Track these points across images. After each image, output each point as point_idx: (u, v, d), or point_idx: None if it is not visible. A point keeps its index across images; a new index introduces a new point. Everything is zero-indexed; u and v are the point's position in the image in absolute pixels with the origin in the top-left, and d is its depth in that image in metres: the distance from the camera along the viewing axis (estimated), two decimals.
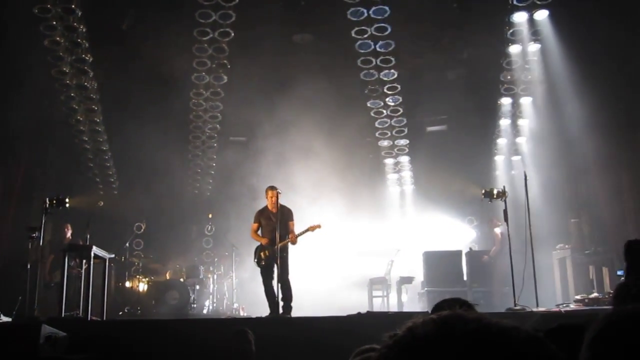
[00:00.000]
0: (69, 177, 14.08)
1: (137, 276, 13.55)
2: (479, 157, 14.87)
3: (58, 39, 11.74)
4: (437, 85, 14.42)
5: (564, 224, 13.54)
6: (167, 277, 13.29)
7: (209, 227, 15.50)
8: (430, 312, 2.76)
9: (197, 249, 14.82)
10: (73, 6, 11.36)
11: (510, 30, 12.39)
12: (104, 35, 12.76)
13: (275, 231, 10.02)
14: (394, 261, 14.13)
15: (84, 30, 11.92)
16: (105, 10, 12.44)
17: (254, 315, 10.79)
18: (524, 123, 14.03)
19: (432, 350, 0.95)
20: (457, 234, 15.21)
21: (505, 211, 9.70)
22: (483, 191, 10.17)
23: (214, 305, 12.89)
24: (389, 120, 14.84)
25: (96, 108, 13.75)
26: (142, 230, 15.66)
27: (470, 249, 14.20)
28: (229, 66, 13.28)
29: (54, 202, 9.43)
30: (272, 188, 10.33)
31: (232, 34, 12.44)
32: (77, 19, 11.64)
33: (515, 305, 9.35)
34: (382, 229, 15.22)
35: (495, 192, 10.03)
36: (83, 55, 12.33)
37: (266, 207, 10.38)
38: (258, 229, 10.40)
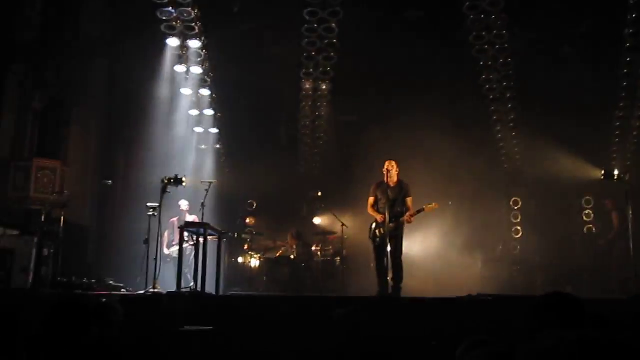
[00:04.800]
0: (185, 157, 14.58)
1: (249, 253, 13.91)
2: (597, 135, 14.14)
3: (174, 23, 12.22)
4: (552, 59, 13.83)
5: None
6: (278, 254, 13.57)
7: (319, 205, 15.65)
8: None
9: (307, 227, 15.02)
10: None
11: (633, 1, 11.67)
12: (216, 17, 13.09)
13: (392, 207, 9.78)
14: (506, 242, 13.80)
15: (198, 13, 12.30)
16: None
17: (362, 294, 10.82)
18: None
19: None
20: (573, 215, 14.63)
21: (627, 193, 9.20)
22: (603, 172, 9.69)
23: (323, 283, 13.04)
24: (502, 97, 14.35)
25: (210, 91, 14.17)
26: (253, 207, 16.08)
27: (590, 231, 13.64)
28: (338, 45, 13.24)
29: (172, 180, 9.85)
30: (390, 160, 10.02)
31: (342, 13, 12.40)
32: (192, 2, 12.02)
33: None
34: (495, 209, 14.84)
35: (616, 172, 9.53)
36: (198, 39, 12.73)
37: (383, 180, 10.01)
38: (375, 204, 10.12)
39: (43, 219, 10.94)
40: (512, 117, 14.68)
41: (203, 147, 15.20)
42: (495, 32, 12.73)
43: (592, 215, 14.72)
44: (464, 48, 13.26)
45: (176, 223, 11.93)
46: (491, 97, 14.29)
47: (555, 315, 3.42)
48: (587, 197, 14.82)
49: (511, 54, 13.31)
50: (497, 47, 13.09)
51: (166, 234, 12.09)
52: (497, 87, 14.05)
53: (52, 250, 10.89)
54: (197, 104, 14.39)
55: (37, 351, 3.23)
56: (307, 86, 14.41)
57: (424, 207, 9.83)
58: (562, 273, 12.59)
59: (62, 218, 10.83)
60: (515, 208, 15.33)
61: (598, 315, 3.54)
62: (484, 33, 12.76)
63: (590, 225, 14.49)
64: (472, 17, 12.37)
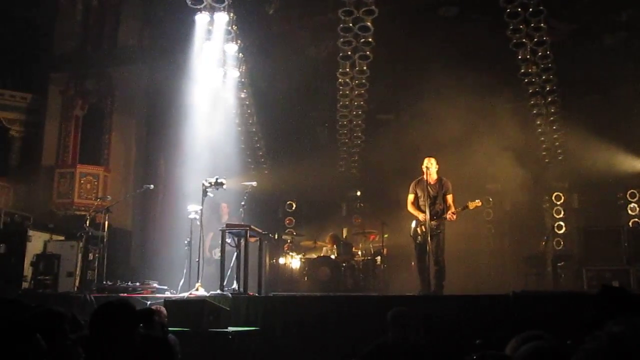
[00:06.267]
0: (224, 159, 14.69)
1: (290, 253, 13.96)
2: None
3: (210, 27, 12.36)
4: (593, 51, 13.59)
5: None
6: (319, 254, 13.57)
7: (358, 204, 15.66)
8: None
9: (347, 226, 15.03)
10: None
11: None
12: (251, 20, 13.18)
13: (432, 204, 9.65)
14: (549, 237, 13.61)
15: (233, 17, 12.41)
16: None
17: (404, 293, 10.76)
18: None
19: None
20: (617, 209, 14.36)
21: None
22: None
23: (365, 282, 13.00)
24: (541, 91, 14.11)
25: (246, 91, 14.27)
26: (293, 208, 16.16)
27: (637, 224, 13.37)
28: (374, 44, 13.19)
29: (212, 183, 9.95)
30: (429, 157, 9.83)
31: (377, 12, 12.35)
32: (228, 7, 12.13)
33: None
34: (537, 204, 14.67)
35: None
36: (234, 42, 12.83)
37: (422, 177, 9.77)
38: (415, 201, 9.88)
39: (87, 224, 11.14)
40: (552, 110, 14.44)
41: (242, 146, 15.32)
42: (532, 24, 12.52)
43: (638, 209, 14.41)
44: (501, 42, 13.10)
45: (217, 225, 12.02)
46: (530, 90, 14.08)
47: (612, 310, 3.35)
48: (632, 191, 14.51)
49: (550, 47, 13.08)
50: (535, 40, 12.88)
51: (209, 236, 12.20)
52: (536, 80, 13.83)
53: (97, 255, 11.09)
54: (236, 106, 14.48)
55: (86, 350, 3.31)
56: (344, 85, 14.37)
57: (468, 204, 9.69)
58: (608, 268, 12.34)
59: (106, 223, 11.01)
60: (558, 203, 15.09)
61: None
62: (521, 26, 12.57)
63: (636, 219, 14.18)
64: (508, 10, 12.21)
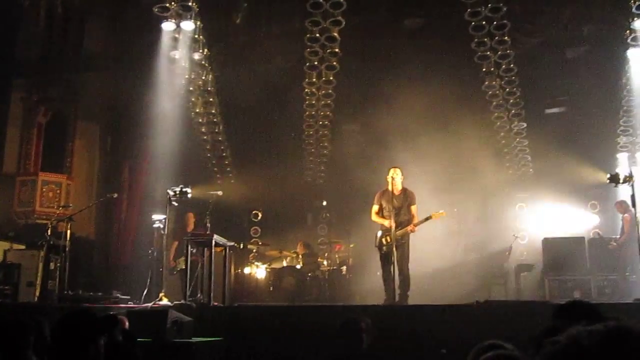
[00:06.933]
0: (190, 168, 14.60)
1: (255, 263, 13.90)
2: (601, 139, 14.13)
3: (177, 35, 12.28)
4: (555, 65, 13.85)
5: None
6: (284, 264, 13.54)
7: (324, 214, 15.66)
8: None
9: (312, 236, 15.00)
10: (190, 3, 11.81)
11: (638, 3, 11.67)
12: (218, 29, 13.15)
13: (397, 215, 9.69)
14: (512, 248, 13.76)
15: (200, 25, 12.36)
16: (218, 4, 12.85)
17: (369, 303, 10.78)
18: None
19: None
20: (578, 220, 14.58)
21: (633, 196, 9.17)
22: (608, 175, 9.64)
23: (330, 292, 12.99)
24: (505, 104, 14.31)
25: (212, 100, 14.21)
26: (258, 218, 16.10)
27: (598, 235, 13.62)
28: (341, 54, 13.25)
29: (177, 192, 9.87)
30: (395, 167, 9.91)
31: (344, 23, 12.42)
32: (195, 15, 12.08)
33: None
34: (500, 215, 14.83)
35: (621, 176, 9.45)
36: (200, 51, 12.78)
37: (387, 188, 9.84)
38: (379, 212, 9.96)
39: (49, 233, 10.94)
40: (515, 123, 14.65)
41: (208, 155, 15.23)
42: (496, 38, 12.71)
43: (599, 220, 14.67)
44: (465, 55, 13.26)
45: (183, 235, 11.92)
46: (494, 103, 14.26)
47: (575, 320, 3.40)
48: (593, 202, 14.78)
49: (513, 60, 13.28)
50: (499, 53, 13.06)
51: (174, 246, 12.09)
52: (499, 93, 14.01)
53: (58, 264, 10.89)
54: (202, 114, 14.40)
55: None
56: (310, 95, 14.38)
57: (432, 215, 9.79)
58: (569, 278, 12.55)
59: (68, 231, 10.82)
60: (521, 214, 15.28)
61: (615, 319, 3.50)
62: (485, 39, 12.74)
63: (597, 230, 14.42)
64: (473, 23, 12.37)
